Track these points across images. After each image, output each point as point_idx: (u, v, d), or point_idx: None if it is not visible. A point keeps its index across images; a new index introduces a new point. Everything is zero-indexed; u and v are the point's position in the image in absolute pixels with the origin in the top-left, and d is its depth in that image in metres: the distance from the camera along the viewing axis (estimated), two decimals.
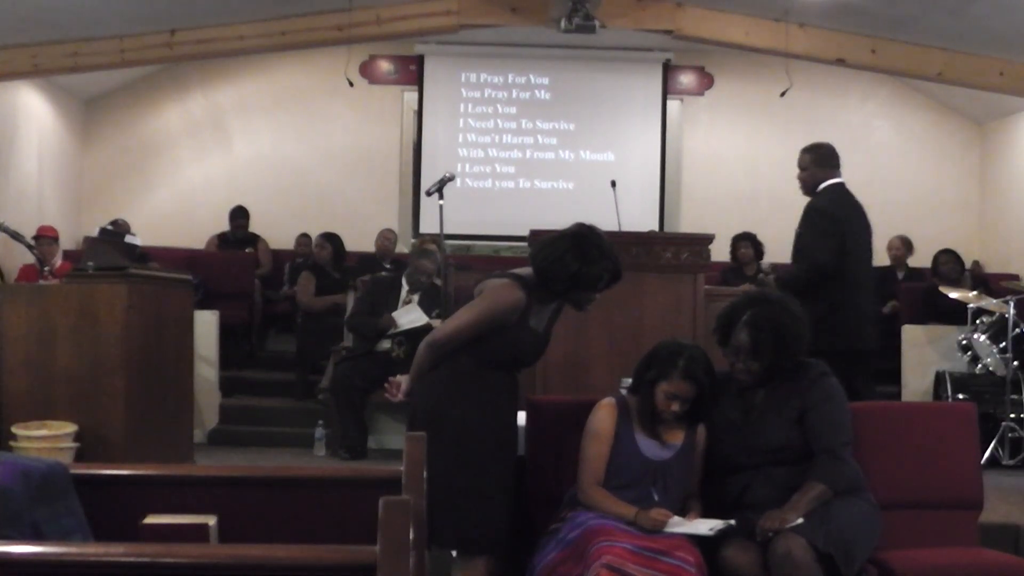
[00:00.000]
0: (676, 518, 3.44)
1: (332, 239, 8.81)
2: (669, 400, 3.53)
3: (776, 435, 3.55)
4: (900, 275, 9.04)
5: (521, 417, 3.81)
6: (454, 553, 3.63)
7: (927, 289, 8.26)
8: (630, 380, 3.71)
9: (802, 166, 5.35)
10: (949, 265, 8.49)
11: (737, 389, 3.67)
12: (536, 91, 10.18)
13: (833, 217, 5.15)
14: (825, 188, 5.27)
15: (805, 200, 5.31)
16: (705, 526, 3.39)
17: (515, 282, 3.58)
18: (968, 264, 9.33)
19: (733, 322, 3.62)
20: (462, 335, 3.57)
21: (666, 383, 3.51)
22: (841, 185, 5.30)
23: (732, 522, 3.39)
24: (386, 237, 9.14)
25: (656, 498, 3.49)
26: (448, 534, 3.50)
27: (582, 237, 3.55)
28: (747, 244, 8.91)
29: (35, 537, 2.19)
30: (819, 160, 5.31)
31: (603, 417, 3.59)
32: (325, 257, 8.66)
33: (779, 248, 9.23)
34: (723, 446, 3.62)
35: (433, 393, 3.62)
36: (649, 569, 3.18)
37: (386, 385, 3.72)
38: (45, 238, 7.67)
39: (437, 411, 3.56)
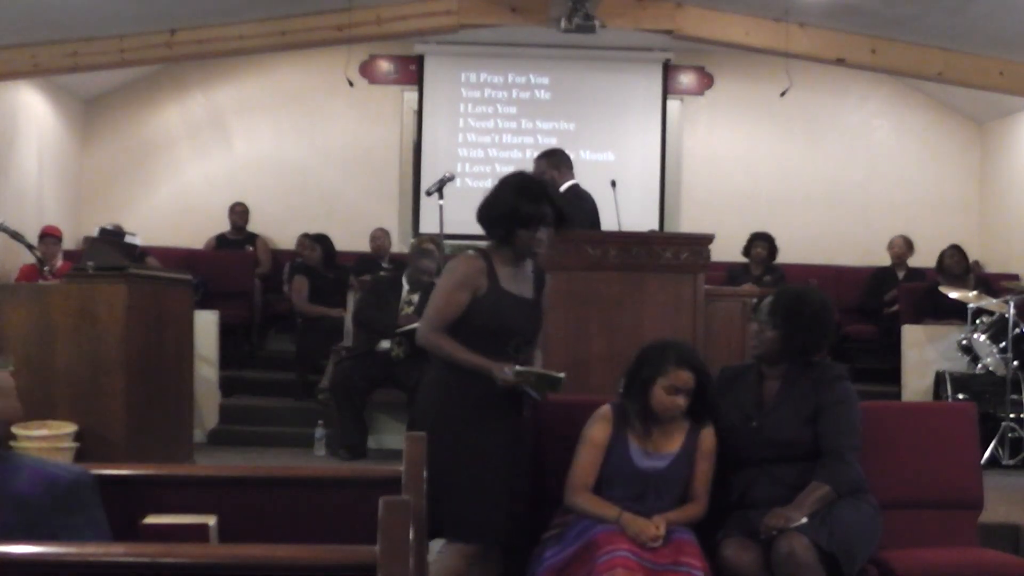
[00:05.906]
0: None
1: (320, 240, 8.78)
2: (672, 395, 3.45)
3: (786, 430, 3.56)
4: (900, 275, 9.04)
5: None
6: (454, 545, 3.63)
7: (927, 289, 8.25)
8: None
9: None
10: (955, 259, 8.33)
11: (755, 377, 3.69)
12: (536, 91, 10.16)
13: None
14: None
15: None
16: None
17: (470, 251, 3.62)
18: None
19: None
20: (442, 316, 3.53)
21: (663, 378, 3.45)
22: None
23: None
24: (378, 236, 9.13)
25: (648, 505, 3.44)
26: (449, 527, 3.50)
27: (522, 176, 3.63)
28: (762, 244, 8.68)
29: None
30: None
31: (600, 428, 3.54)
32: (315, 259, 8.64)
33: (780, 247, 9.24)
34: (733, 437, 3.62)
35: (433, 392, 3.62)
36: None
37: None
38: (49, 236, 7.68)
39: (438, 409, 3.56)
